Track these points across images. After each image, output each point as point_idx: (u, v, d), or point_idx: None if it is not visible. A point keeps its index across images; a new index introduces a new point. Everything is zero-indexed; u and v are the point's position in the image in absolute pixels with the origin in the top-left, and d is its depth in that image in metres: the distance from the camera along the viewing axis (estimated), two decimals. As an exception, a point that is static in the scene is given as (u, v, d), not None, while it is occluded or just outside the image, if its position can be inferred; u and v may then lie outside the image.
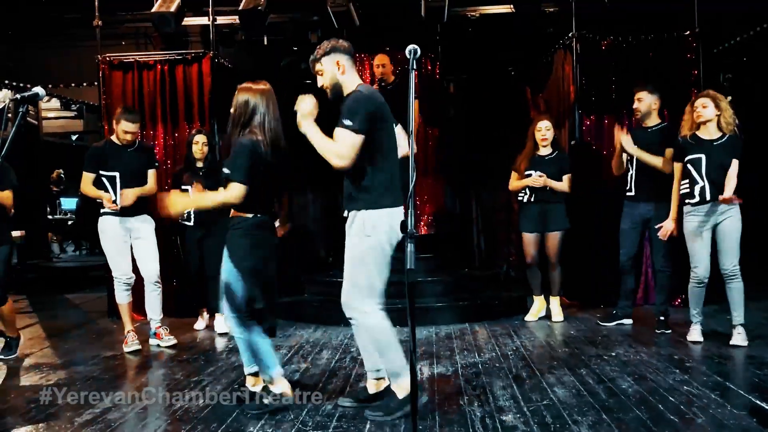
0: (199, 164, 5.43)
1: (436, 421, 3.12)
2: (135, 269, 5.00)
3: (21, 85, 8.76)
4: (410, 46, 2.65)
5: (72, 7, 7.54)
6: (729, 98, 6.81)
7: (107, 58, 6.29)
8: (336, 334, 5.14)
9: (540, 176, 5.32)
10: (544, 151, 5.45)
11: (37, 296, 7.88)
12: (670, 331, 4.92)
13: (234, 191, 3.21)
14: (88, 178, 4.82)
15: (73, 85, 9.41)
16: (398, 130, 3.33)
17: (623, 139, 5.04)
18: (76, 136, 12.81)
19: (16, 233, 6.52)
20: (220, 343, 5.05)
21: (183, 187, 5.42)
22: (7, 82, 8.89)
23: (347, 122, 3.04)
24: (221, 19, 6.74)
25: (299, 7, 6.91)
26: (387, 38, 7.31)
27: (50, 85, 9.10)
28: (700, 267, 4.53)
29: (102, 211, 4.86)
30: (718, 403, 3.25)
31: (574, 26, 6.12)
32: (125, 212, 4.84)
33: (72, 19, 7.70)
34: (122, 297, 4.90)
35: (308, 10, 6.87)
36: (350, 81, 3.23)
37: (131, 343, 4.83)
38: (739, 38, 7.33)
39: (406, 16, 6.73)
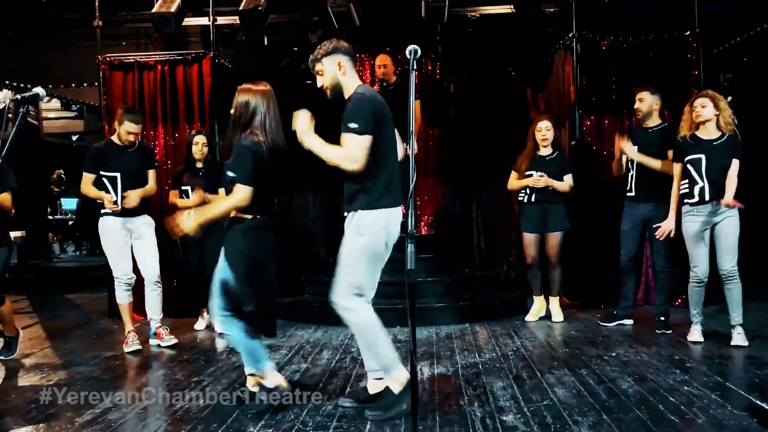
0: (199, 165, 5.43)
1: (436, 422, 3.12)
2: (135, 269, 5.00)
3: (21, 85, 8.77)
4: (410, 47, 2.65)
5: (72, 7, 7.55)
6: (729, 98, 6.83)
7: (108, 59, 6.29)
8: (336, 335, 5.14)
9: (541, 176, 5.32)
10: (545, 151, 5.45)
11: (37, 296, 7.88)
12: (670, 332, 4.92)
13: (241, 194, 3.22)
14: (88, 178, 4.82)
15: (73, 85, 9.43)
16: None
17: (625, 146, 5.03)
18: (77, 136, 12.82)
19: (16, 233, 6.52)
20: (221, 344, 5.05)
21: (183, 187, 5.43)
22: (7, 82, 8.90)
23: (353, 125, 3.05)
24: (221, 20, 6.74)
25: (299, 7, 6.91)
26: (387, 38, 7.32)
27: (50, 86, 9.11)
28: (699, 267, 4.53)
29: (102, 211, 4.87)
30: (719, 403, 3.25)
31: (574, 26, 6.12)
32: (126, 212, 4.84)
33: (72, 20, 7.70)
34: (123, 297, 4.90)
35: (308, 11, 6.87)
36: (350, 82, 3.24)
37: (132, 344, 4.83)
38: (739, 38, 7.33)
39: (406, 17, 6.73)
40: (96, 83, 6.53)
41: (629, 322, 5.29)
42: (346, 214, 3.25)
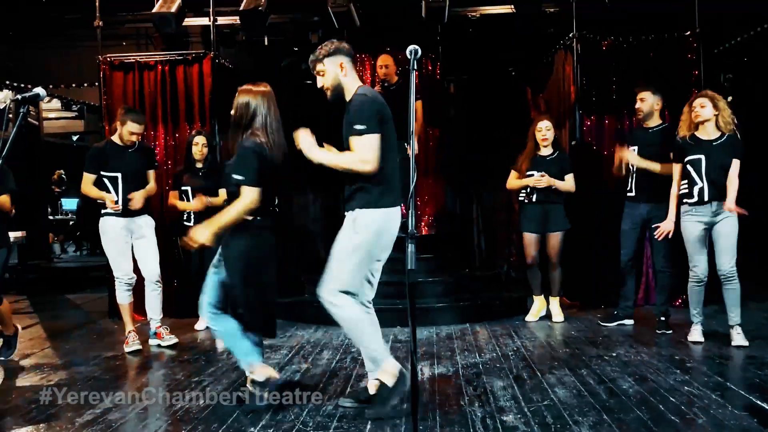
0: (199, 165, 5.44)
1: (437, 422, 3.12)
2: (136, 269, 5.00)
3: (21, 85, 8.77)
4: (411, 47, 2.65)
5: (72, 7, 7.55)
6: (730, 98, 6.83)
7: (108, 59, 6.29)
8: (337, 335, 5.14)
9: (542, 176, 5.32)
10: (545, 151, 5.45)
11: (38, 296, 7.88)
12: (670, 332, 4.92)
13: (250, 196, 3.23)
14: (88, 178, 4.82)
15: (73, 85, 9.43)
16: None
17: (625, 154, 5.02)
18: (77, 136, 12.82)
19: (17, 234, 6.52)
20: (221, 344, 5.05)
21: (183, 187, 5.43)
22: (8, 82, 8.90)
23: (360, 127, 3.06)
24: (222, 20, 6.74)
25: (300, 7, 6.91)
26: (387, 38, 7.32)
27: (51, 86, 9.11)
28: (698, 267, 4.54)
29: (103, 211, 4.87)
30: (719, 403, 3.25)
31: (574, 26, 6.12)
32: (126, 212, 4.85)
33: (72, 20, 7.71)
34: (123, 297, 4.90)
35: (309, 11, 6.87)
36: (351, 83, 3.25)
37: (132, 344, 4.83)
38: (739, 38, 7.33)
39: (406, 17, 6.73)
40: (96, 83, 6.53)
41: (630, 322, 5.29)
42: (345, 213, 3.26)
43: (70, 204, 12.32)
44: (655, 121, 5.11)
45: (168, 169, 6.17)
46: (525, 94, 7.49)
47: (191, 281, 5.56)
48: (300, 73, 6.87)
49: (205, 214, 5.22)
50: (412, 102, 2.65)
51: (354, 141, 3.09)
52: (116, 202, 4.77)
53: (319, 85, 3.27)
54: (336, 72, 3.22)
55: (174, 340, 5.01)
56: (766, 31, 7.02)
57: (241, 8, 6.33)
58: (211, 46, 6.42)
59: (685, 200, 4.55)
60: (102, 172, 4.82)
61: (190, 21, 6.88)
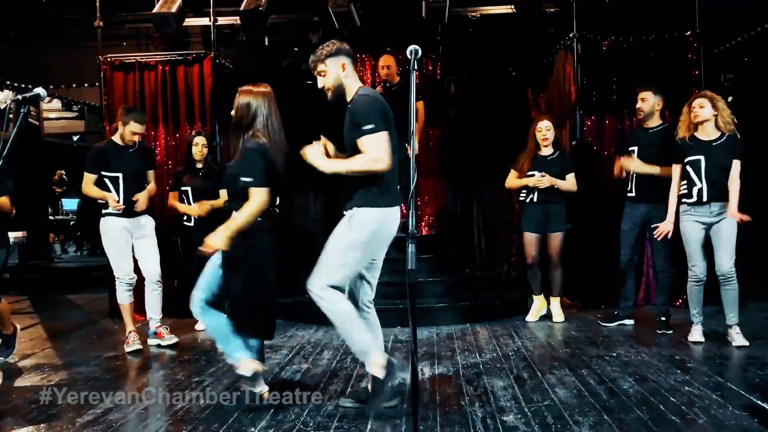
0: (199, 165, 5.44)
1: (437, 422, 3.12)
2: (136, 269, 5.00)
3: (22, 85, 8.77)
4: (411, 47, 2.66)
5: (73, 7, 7.55)
6: (730, 99, 6.82)
7: (108, 59, 6.29)
8: (337, 335, 5.13)
9: (542, 176, 5.31)
10: (546, 151, 5.45)
11: (38, 297, 7.88)
12: (671, 332, 4.92)
13: (260, 197, 3.25)
14: (89, 178, 4.82)
15: (74, 85, 9.44)
16: None
17: (627, 163, 5.01)
18: (78, 136, 12.83)
19: (17, 234, 6.52)
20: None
21: (183, 188, 5.43)
22: (8, 82, 8.90)
23: (369, 126, 3.06)
24: (222, 20, 6.74)
25: (300, 7, 6.92)
26: (388, 39, 7.32)
27: (51, 86, 9.12)
28: (697, 266, 4.54)
29: (104, 211, 4.87)
30: (720, 403, 3.25)
31: (574, 26, 6.12)
32: (127, 212, 4.85)
33: (73, 20, 7.71)
34: (124, 297, 4.90)
35: (309, 11, 6.87)
36: (352, 84, 3.25)
37: (132, 344, 4.83)
38: (739, 39, 7.33)
39: (406, 17, 6.73)
40: (97, 83, 6.53)
41: (630, 322, 5.29)
42: (344, 212, 3.26)
43: (70, 204, 12.33)
44: (655, 122, 5.11)
45: (168, 170, 6.17)
46: (525, 94, 7.49)
47: (191, 281, 5.52)
48: (300, 74, 6.87)
49: (205, 215, 5.25)
50: (412, 102, 2.66)
51: (363, 141, 3.08)
52: (118, 202, 4.77)
53: (320, 85, 3.27)
54: (338, 72, 3.22)
55: (174, 339, 5.01)
56: (767, 32, 7.02)
57: (242, 8, 6.33)
58: (211, 47, 6.42)
59: (683, 200, 4.56)
60: (103, 172, 4.82)
61: (190, 21, 6.88)
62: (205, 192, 5.33)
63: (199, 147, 5.39)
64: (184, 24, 6.66)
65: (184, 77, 6.28)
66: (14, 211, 4.64)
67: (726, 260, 4.40)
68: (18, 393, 3.84)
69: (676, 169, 4.62)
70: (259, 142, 3.27)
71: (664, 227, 4.63)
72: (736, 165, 4.39)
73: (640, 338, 4.81)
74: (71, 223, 12.17)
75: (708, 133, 4.48)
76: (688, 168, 4.52)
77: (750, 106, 7.46)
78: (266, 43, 7.31)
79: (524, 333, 5.16)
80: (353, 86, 3.24)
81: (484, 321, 5.60)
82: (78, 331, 5.83)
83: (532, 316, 5.63)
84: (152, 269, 4.98)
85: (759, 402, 3.26)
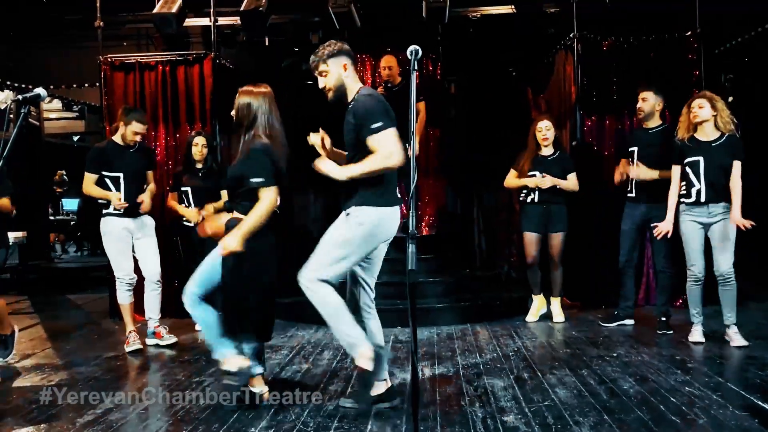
0: (199, 165, 5.43)
1: (437, 422, 3.12)
2: (136, 269, 5.00)
3: (22, 86, 8.78)
4: (412, 47, 2.66)
5: (73, 7, 7.55)
6: (731, 99, 6.82)
7: (109, 59, 6.29)
8: (337, 335, 5.14)
9: (543, 177, 5.31)
10: (546, 151, 5.45)
11: (38, 297, 7.88)
12: (671, 332, 4.92)
13: (270, 196, 3.26)
14: (90, 178, 4.82)
15: (74, 86, 9.44)
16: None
17: (639, 171, 4.98)
18: (78, 137, 12.84)
19: (17, 234, 6.53)
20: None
21: (183, 188, 5.43)
22: (8, 83, 8.91)
23: (377, 125, 3.05)
24: (222, 20, 6.74)
25: (300, 7, 6.91)
26: (388, 39, 7.32)
27: (51, 86, 9.12)
28: (696, 265, 4.55)
29: (104, 211, 4.87)
30: (720, 404, 3.25)
31: (575, 27, 6.12)
32: (127, 212, 4.85)
33: (73, 20, 7.70)
34: (124, 297, 4.90)
35: (309, 11, 6.87)
36: (353, 84, 3.26)
37: (133, 344, 4.84)
38: (740, 39, 7.33)
39: (407, 17, 6.72)
40: (97, 84, 6.53)
41: (630, 322, 5.29)
42: (343, 211, 3.26)
43: (70, 204, 12.34)
44: (655, 122, 5.11)
45: (168, 170, 6.17)
46: (526, 94, 7.49)
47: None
48: (301, 74, 6.87)
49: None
50: (412, 102, 2.65)
51: (374, 139, 3.07)
52: (121, 200, 4.77)
53: (320, 85, 3.27)
54: (339, 73, 3.22)
55: (173, 339, 5.01)
56: (767, 32, 7.02)
57: (242, 9, 6.32)
58: (211, 47, 6.42)
59: (682, 200, 4.56)
60: (104, 172, 4.81)
61: (190, 21, 6.88)
62: (205, 192, 5.33)
63: (198, 147, 5.38)
64: (185, 24, 6.66)
65: (185, 77, 6.28)
66: (14, 211, 4.65)
67: (724, 261, 4.40)
68: (18, 393, 3.85)
69: (675, 170, 4.62)
70: (263, 142, 3.28)
71: (663, 227, 4.63)
72: (736, 166, 4.39)
73: (641, 338, 4.81)
74: (71, 223, 12.18)
75: (707, 133, 4.48)
76: (687, 169, 4.52)
77: (750, 106, 7.46)
78: (266, 44, 7.31)
79: (524, 333, 5.16)
80: (354, 87, 3.25)
81: (484, 321, 5.60)
82: (78, 331, 5.83)
83: (532, 316, 5.63)
84: (152, 269, 4.99)
85: (759, 402, 3.26)
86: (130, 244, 4.94)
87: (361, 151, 3.15)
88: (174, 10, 6.24)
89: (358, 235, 3.15)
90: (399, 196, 3.31)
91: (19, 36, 8.66)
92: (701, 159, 4.45)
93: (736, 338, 4.44)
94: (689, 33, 6.04)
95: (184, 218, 5.45)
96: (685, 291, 4.71)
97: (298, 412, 3.31)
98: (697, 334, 4.61)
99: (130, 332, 4.88)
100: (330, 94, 3.26)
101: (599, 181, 5.96)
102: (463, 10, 6.91)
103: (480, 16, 6.97)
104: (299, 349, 4.77)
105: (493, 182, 6.63)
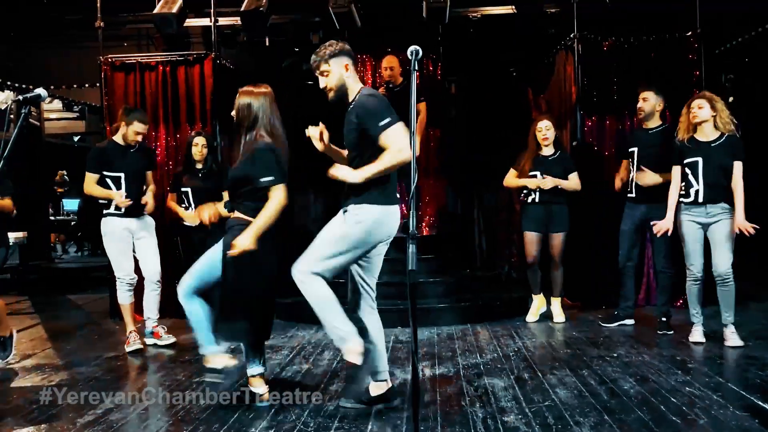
0: (199, 166, 5.43)
1: (438, 422, 3.12)
2: (137, 269, 5.00)
3: (23, 86, 8.78)
4: (412, 47, 2.66)
5: (73, 7, 7.55)
6: (731, 99, 6.81)
7: (109, 59, 6.29)
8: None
9: (544, 178, 5.31)
10: (547, 151, 5.45)
11: (39, 297, 7.88)
12: (672, 332, 4.92)
13: (280, 193, 3.29)
14: (91, 178, 4.81)
15: (74, 86, 9.43)
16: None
17: (646, 178, 4.96)
18: (78, 137, 12.85)
19: (18, 234, 6.53)
20: (222, 344, 5.04)
21: (183, 189, 5.43)
22: (9, 83, 8.91)
23: (384, 121, 3.05)
24: (223, 21, 6.74)
25: (301, 8, 6.91)
26: (388, 39, 7.33)
27: (51, 86, 9.11)
28: (695, 265, 4.55)
29: (105, 212, 4.88)
30: (720, 404, 3.25)
31: (575, 27, 6.12)
32: (128, 212, 4.86)
33: (73, 20, 7.71)
34: (125, 297, 4.91)
35: (310, 11, 6.87)
36: (354, 84, 3.26)
37: (133, 344, 4.84)
38: (740, 39, 7.33)
39: (407, 17, 6.73)
40: (97, 84, 6.53)
41: (630, 321, 5.29)
42: (342, 208, 3.26)
43: (71, 204, 12.35)
44: (655, 122, 5.11)
45: (169, 170, 6.17)
46: (526, 94, 7.49)
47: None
48: (301, 74, 6.87)
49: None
50: (413, 102, 2.65)
51: (385, 136, 3.06)
52: (126, 197, 4.77)
53: (321, 85, 3.26)
54: (341, 73, 3.22)
55: (171, 339, 5.02)
56: (767, 32, 7.02)
57: (242, 9, 6.32)
58: (212, 47, 6.42)
59: (681, 199, 4.57)
60: (105, 172, 4.82)
61: (191, 22, 6.88)
62: (205, 193, 5.31)
63: (198, 147, 5.37)
64: (185, 24, 6.66)
65: (185, 78, 6.29)
66: (15, 211, 4.65)
67: (723, 261, 4.39)
68: (18, 393, 3.85)
69: (676, 170, 4.62)
70: (266, 142, 3.29)
71: (663, 225, 4.62)
72: (737, 167, 4.39)
73: (641, 339, 4.81)
74: (72, 223, 12.19)
75: (706, 134, 4.48)
76: (686, 170, 4.53)
77: (750, 106, 7.46)
78: (267, 44, 7.31)
79: (525, 333, 5.15)
80: (355, 87, 3.24)
81: (484, 321, 5.60)
82: (78, 331, 5.83)
83: (532, 316, 5.63)
84: (152, 269, 4.99)
85: (759, 402, 3.26)
86: (130, 244, 4.94)
87: (363, 151, 3.15)
88: (174, 10, 6.25)
89: (356, 233, 3.14)
90: (398, 195, 3.31)
91: (19, 36, 8.66)
92: (700, 159, 4.45)
93: (732, 338, 4.45)
94: (689, 33, 6.04)
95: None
96: (685, 291, 4.71)
97: (298, 413, 3.32)
98: (697, 335, 4.61)
99: (130, 332, 4.88)
100: (331, 94, 3.25)
101: (600, 182, 5.96)
102: (463, 11, 6.91)
103: (480, 17, 6.97)
104: (299, 350, 4.77)
105: (494, 182, 6.63)
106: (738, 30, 7.27)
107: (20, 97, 2.86)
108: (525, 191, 5.49)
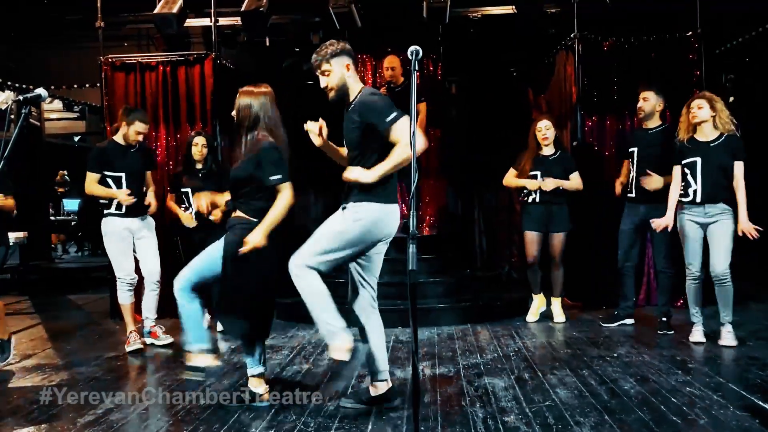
0: (199, 166, 5.43)
1: (438, 422, 3.12)
2: (137, 269, 5.00)
3: (23, 86, 8.78)
4: (412, 47, 2.66)
5: (74, 7, 7.55)
6: (731, 99, 6.81)
7: (109, 60, 6.29)
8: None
9: (544, 180, 5.31)
10: (548, 150, 5.45)
11: (39, 297, 7.89)
12: (672, 332, 4.92)
13: (289, 191, 3.31)
14: (93, 178, 4.81)
15: (75, 86, 9.43)
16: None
17: (652, 183, 4.93)
18: (79, 137, 12.85)
19: (18, 234, 6.53)
20: (223, 344, 5.05)
21: (183, 189, 5.42)
22: (9, 83, 8.92)
23: (391, 116, 3.06)
24: (223, 21, 6.75)
25: (301, 8, 6.91)
26: (389, 39, 7.32)
27: (52, 87, 9.12)
28: (694, 264, 4.56)
29: (106, 212, 4.88)
30: (721, 404, 3.25)
31: (575, 27, 6.12)
32: (129, 212, 4.86)
33: (74, 20, 7.71)
34: (125, 298, 4.91)
35: (310, 11, 6.87)
36: (355, 84, 3.26)
37: (133, 344, 4.84)
38: (741, 39, 7.32)
39: (407, 17, 6.73)
40: (98, 84, 6.53)
41: (630, 321, 5.29)
42: (342, 205, 3.25)
43: (71, 205, 12.36)
44: (654, 122, 5.11)
45: (169, 170, 6.17)
46: (526, 94, 7.49)
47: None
48: (301, 74, 6.87)
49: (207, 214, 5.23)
50: (413, 102, 2.65)
51: (395, 129, 3.06)
52: (130, 194, 4.77)
53: (322, 84, 3.25)
54: (342, 72, 3.22)
55: (169, 339, 5.02)
56: (767, 32, 7.02)
57: (243, 9, 6.33)
58: (212, 47, 6.42)
59: (681, 198, 4.57)
60: (106, 172, 4.82)
61: (191, 22, 6.89)
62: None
63: (198, 147, 5.37)
64: (185, 25, 6.67)
65: (185, 78, 6.29)
66: (15, 211, 4.65)
67: (720, 262, 4.39)
68: (19, 393, 3.85)
69: (676, 170, 4.62)
70: (270, 141, 3.30)
71: (662, 220, 4.62)
72: (738, 167, 4.38)
73: (641, 339, 4.81)
74: (72, 223, 12.20)
75: (706, 134, 4.48)
76: (685, 170, 4.53)
77: (751, 106, 7.46)
78: (267, 44, 7.31)
79: (525, 333, 5.15)
80: (356, 87, 3.25)
81: (485, 321, 5.60)
82: (79, 331, 5.83)
83: (532, 315, 5.63)
84: (152, 269, 5.00)
85: (760, 402, 3.26)
86: (131, 244, 4.94)
87: (366, 149, 3.16)
88: (175, 10, 6.25)
89: (354, 231, 3.14)
90: (398, 195, 3.31)
91: (19, 36, 8.66)
92: (698, 159, 4.45)
93: (726, 337, 4.45)
94: (690, 33, 6.04)
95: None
96: (685, 291, 4.71)
97: (298, 413, 3.31)
98: (697, 335, 4.61)
99: (130, 332, 4.88)
100: (332, 94, 3.25)
101: (600, 182, 5.95)
102: (463, 11, 6.91)
103: (481, 17, 6.97)
104: (300, 350, 4.77)
105: (494, 182, 6.63)
106: (738, 30, 7.27)
107: (20, 97, 2.86)
108: (525, 191, 5.49)
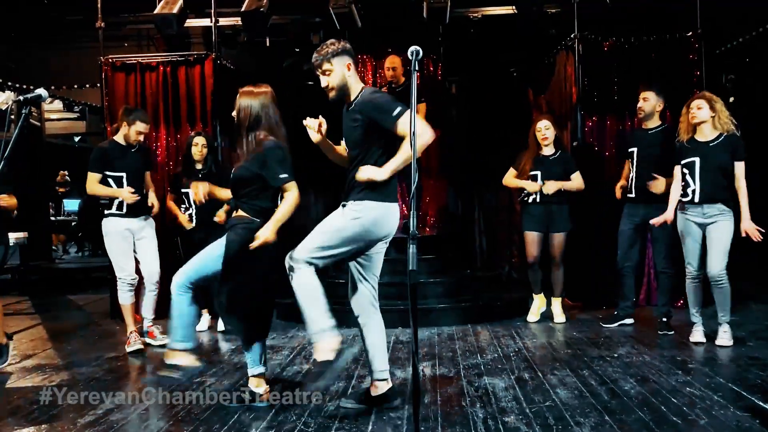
0: (199, 166, 5.43)
1: (438, 422, 3.12)
2: (137, 269, 5.00)
3: (23, 86, 8.78)
4: (413, 48, 2.66)
5: (74, 8, 7.56)
6: (731, 99, 6.81)
7: (110, 60, 6.30)
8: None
9: (543, 184, 5.31)
10: (548, 150, 5.45)
11: (39, 297, 7.89)
12: (672, 333, 4.92)
13: (296, 189, 3.32)
14: (94, 178, 4.81)
15: (75, 86, 9.43)
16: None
17: (659, 187, 4.90)
18: (79, 137, 12.85)
19: (19, 234, 6.52)
20: (223, 344, 5.06)
21: (183, 189, 5.43)
22: (9, 83, 8.92)
23: (397, 111, 3.06)
24: (223, 21, 6.75)
25: (301, 8, 6.92)
26: (389, 39, 7.33)
27: (52, 87, 9.12)
28: (693, 263, 4.57)
29: (106, 212, 4.88)
30: (721, 404, 3.25)
31: (576, 27, 6.13)
32: (130, 212, 4.86)
33: (74, 21, 7.71)
34: (125, 298, 4.91)
35: (310, 12, 6.88)
36: (355, 83, 3.26)
37: (134, 344, 4.84)
38: (741, 39, 7.32)
39: (407, 18, 6.73)
40: (98, 84, 6.54)
41: (630, 321, 5.29)
42: (343, 203, 3.25)
43: (71, 205, 12.35)
44: (654, 123, 5.11)
45: (169, 170, 6.17)
46: (527, 94, 7.49)
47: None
48: (301, 74, 6.87)
49: (207, 214, 5.23)
50: (413, 102, 2.66)
51: (401, 124, 3.05)
52: (133, 193, 4.77)
53: (323, 84, 3.25)
54: (343, 72, 3.21)
55: (167, 340, 5.01)
56: (767, 32, 7.02)
57: (243, 9, 6.33)
58: (212, 47, 6.43)
59: (680, 197, 4.57)
60: (107, 172, 4.82)
61: (191, 22, 6.89)
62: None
63: (198, 147, 5.38)
64: (186, 25, 6.67)
65: (186, 78, 6.29)
66: (16, 211, 4.65)
67: (717, 263, 4.39)
68: (19, 393, 3.85)
69: (677, 170, 4.62)
70: (273, 140, 3.31)
71: (662, 217, 4.61)
72: (739, 167, 4.38)
73: (642, 339, 4.81)
74: (72, 223, 12.19)
75: (705, 134, 4.48)
76: (684, 170, 4.53)
77: (751, 106, 7.46)
78: (267, 44, 7.31)
79: (525, 334, 5.15)
80: (357, 86, 3.24)
81: (485, 322, 5.60)
82: (79, 331, 5.83)
83: (532, 315, 5.63)
84: (152, 270, 5.00)
85: (760, 403, 3.26)
86: (131, 245, 4.95)
87: (368, 148, 3.16)
88: (175, 10, 6.25)
89: (353, 228, 3.14)
90: (398, 193, 3.31)
91: (19, 36, 8.67)
92: (697, 159, 4.45)
93: (723, 337, 4.46)
94: (690, 33, 6.04)
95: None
96: (685, 292, 4.71)
97: (299, 413, 3.32)
98: (698, 335, 4.61)
99: (131, 333, 4.88)
100: (332, 93, 3.24)
101: (600, 182, 5.96)
102: (464, 11, 6.91)
103: (481, 17, 6.97)
104: (300, 350, 4.77)
105: (494, 183, 6.63)
106: (738, 30, 7.27)
107: (21, 98, 2.86)
108: (525, 192, 5.49)
